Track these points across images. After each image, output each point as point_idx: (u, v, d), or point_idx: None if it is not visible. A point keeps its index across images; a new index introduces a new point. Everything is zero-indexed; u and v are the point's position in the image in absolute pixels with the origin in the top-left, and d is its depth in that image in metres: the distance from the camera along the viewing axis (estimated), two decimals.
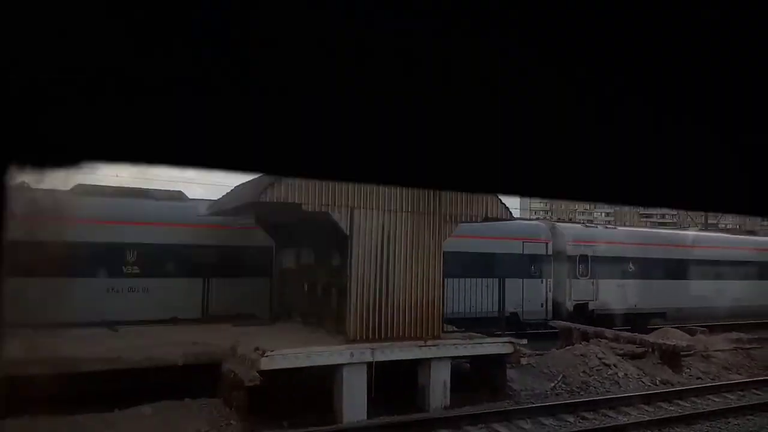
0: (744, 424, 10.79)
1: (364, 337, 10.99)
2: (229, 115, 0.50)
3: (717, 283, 23.23)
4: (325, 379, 10.59)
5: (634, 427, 10.43)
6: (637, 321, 20.57)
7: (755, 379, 14.30)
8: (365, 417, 10.39)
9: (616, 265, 21.35)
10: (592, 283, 20.99)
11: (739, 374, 15.15)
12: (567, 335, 16.97)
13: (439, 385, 11.30)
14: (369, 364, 10.61)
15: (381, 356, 10.77)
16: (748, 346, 17.48)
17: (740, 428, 10.65)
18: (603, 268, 21.03)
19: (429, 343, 11.29)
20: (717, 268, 23.94)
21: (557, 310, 20.36)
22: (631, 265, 21.66)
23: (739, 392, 13.21)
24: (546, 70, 0.57)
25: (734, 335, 20.34)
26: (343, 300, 11.42)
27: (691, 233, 27.68)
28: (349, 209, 10.93)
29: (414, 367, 11.47)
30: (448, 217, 11.89)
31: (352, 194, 10.91)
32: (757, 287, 24.14)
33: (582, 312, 20.40)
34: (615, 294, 20.95)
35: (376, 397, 10.67)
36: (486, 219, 12.72)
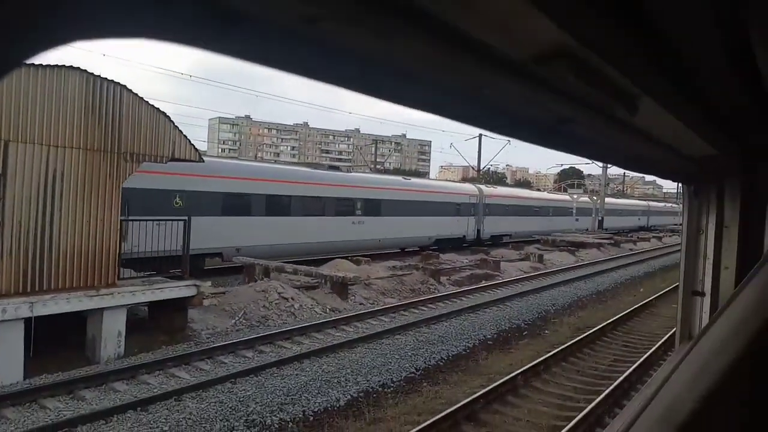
0: (393, 343, 12.85)
1: (21, 289, 9.62)
2: None
3: (530, 219, 42.11)
4: None
5: (306, 356, 11.51)
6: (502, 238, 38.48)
7: (404, 302, 17.09)
8: (21, 379, 9.27)
9: (500, 209, 38.15)
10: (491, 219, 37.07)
11: (393, 298, 17.91)
12: (250, 271, 17.61)
13: (112, 335, 10.67)
14: (27, 320, 9.41)
15: (43, 309, 9.63)
16: (400, 273, 20.67)
17: (390, 347, 12.62)
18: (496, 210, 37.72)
19: (102, 291, 10.48)
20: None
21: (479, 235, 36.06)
22: (506, 209, 38.99)
23: (392, 314, 15.64)
24: None
25: (391, 263, 23.96)
26: None
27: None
28: (2, 142, 9.19)
29: (85, 317, 10.58)
30: (128, 156, 10.94)
31: (6, 125, 9.17)
32: None
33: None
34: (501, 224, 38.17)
35: (39, 354, 9.58)
36: (174, 159, 12.10)
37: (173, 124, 11.95)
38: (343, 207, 26.09)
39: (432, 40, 0.82)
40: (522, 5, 0.75)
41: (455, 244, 33.49)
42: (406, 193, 30.28)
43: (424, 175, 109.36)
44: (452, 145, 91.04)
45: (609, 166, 50.28)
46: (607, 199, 56.45)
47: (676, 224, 74.75)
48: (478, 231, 36.38)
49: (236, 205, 20.38)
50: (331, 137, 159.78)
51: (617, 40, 1.07)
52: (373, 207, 27.59)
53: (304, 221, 23.47)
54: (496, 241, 37.78)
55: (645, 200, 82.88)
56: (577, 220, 50.41)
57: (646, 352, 12.33)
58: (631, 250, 39.46)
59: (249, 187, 21.27)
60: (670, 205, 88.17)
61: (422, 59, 0.92)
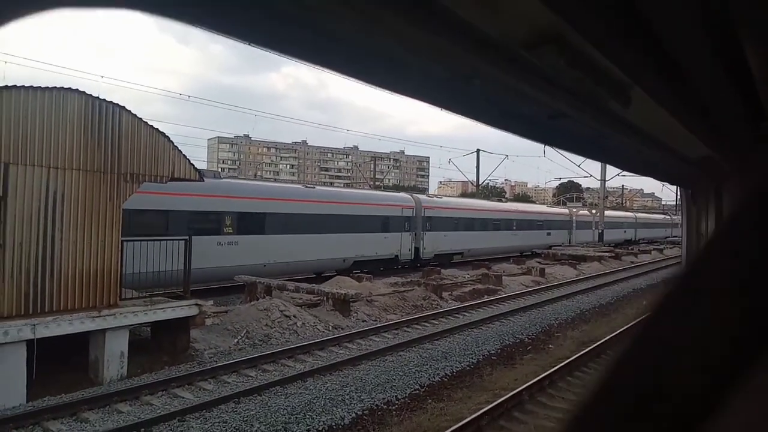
0: (397, 360, 12.77)
1: (23, 311, 9.59)
2: None
3: (490, 234, 36.24)
4: None
5: (309, 374, 11.43)
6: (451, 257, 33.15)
7: (406, 318, 17.01)
8: (24, 402, 9.19)
9: (445, 222, 32.31)
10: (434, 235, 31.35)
11: (395, 314, 17.84)
12: (252, 290, 17.56)
13: (115, 356, 10.61)
14: (30, 342, 9.36)
15: (45, 331, 9.59)
16: (402, 289, 20.61)
17: (394, 364, 12.55)
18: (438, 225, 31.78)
19: (104, 312, 10.44)
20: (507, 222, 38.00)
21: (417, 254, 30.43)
22: (455, 222, 33.24)
23: (394, 331, 15.57)
24: None
25: (392, 279, 23.88)
26: None
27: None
28: (2, 165, 9.22)
29: (87, 339, 10.53)
30: (128, 176, 10.97)
31: (6, 147, 9.20)
32: None
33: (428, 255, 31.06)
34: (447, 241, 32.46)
35: (42, 376, 9.53)
36: (173, 178, 12.13)
37: (172, 144, 12.00)
38: (206, 224, 19.97)
39: (419, 21, 0.81)
40: None
41: (387, 266, 28.34)
42: (304, 205, 23.83)
43: (423, 190, 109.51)
44: (450, 160, 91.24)
45: (607, 179, 50.29)
46: (581, 211, 52.86)
47: (668, 237, 71.27)
48: (417, 250, 30.59)
49: None
50: (329, 155, 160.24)
51: (609, 29, 1.07)
52: (253, 223, 21.70)
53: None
54: (445, 261, 32.06)
55: (632, 211, 74.06)
56: (548, 234, 44.27)
57: None
58: (632, 262, 39.37)
59: None
60: (662, 216, 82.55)
61: (411, 43, 0.91)
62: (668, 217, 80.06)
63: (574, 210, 52.10)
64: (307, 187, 26.53)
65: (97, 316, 10.33)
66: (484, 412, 9.09)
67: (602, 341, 14.38)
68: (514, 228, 39.45)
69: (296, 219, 23.11)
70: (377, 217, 27.88)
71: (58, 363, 10.30)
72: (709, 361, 0.45)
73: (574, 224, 49.10)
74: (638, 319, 0.50)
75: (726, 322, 0.46)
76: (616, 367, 0.48)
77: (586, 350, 13.44)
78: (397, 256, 29.25)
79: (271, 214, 22.19)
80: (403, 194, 33.61)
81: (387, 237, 28.44)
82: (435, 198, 35.69)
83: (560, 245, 43.33)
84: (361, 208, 27.05)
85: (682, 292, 0.50)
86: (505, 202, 47.65)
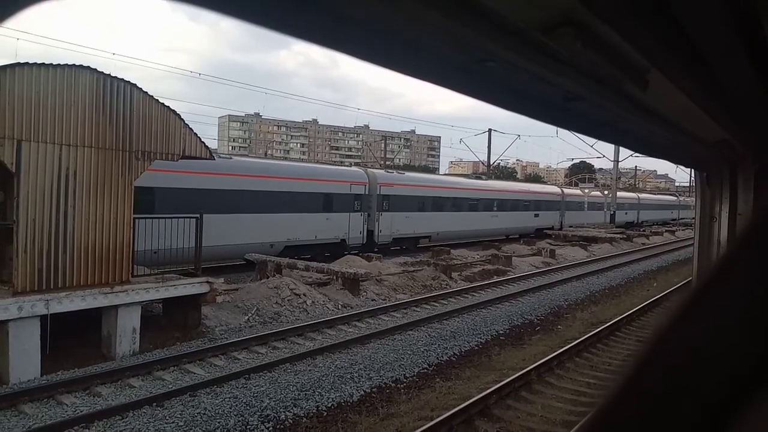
0: (405, 339, 12.85)
1: (37, 287, 9.72)
2: None
3: (464, 215, 32.61)
4: None
5: (319, 352, 11.53)
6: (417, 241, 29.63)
7: (416, 298, 17.08)
8: (38, 376, 9.37)
9: (407, 202, 28.56)
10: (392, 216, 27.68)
11: (404, 294, 17.92)
12: (262, 268, 17.67)
13: (127, 331, 10.76)
14: (43, 317, 9.51)
15: (58, 307, 9.72)
16: (412, 269, 20.67)
17: (402, 343, 12.64)
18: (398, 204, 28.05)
19: (116, 289, 10.57)
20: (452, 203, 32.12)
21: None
22: (420, 202, 29.50)
23: (403, 310, 15.65)
24: None
25: (402, 259, 23.95)
26: (8, 246, 9.84)
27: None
28: (15, 142, 9.27)
29: (100, 314, 10.68)
30: (140, 154, 11.00)
31: (19, 124, 9.24)
32: None
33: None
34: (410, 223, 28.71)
35: (55, 350, 9.70)
36: (185, 156, 12.16)
37: (184, 122, 12.00)
38: None
39: (439, 5, 0.79)
40: None
41: (333, 252, 24.19)
42: (214, 179, 18.92)
43: (434, 170, 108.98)
44: (462, 140, 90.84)
45: (620, 159, 49.70)
46: (571, 191, 47.27)
47: (675, 219, 66.73)
48: (371, 233, 26.54)
49: None
50: (340, 134, 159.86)
51: (626, 10, 1.04)
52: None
53: None
54: (409, 245, 28.97)
55: (634, 191, 67.37)
56: (536, 216, 39.96)
57: None
58: (643, 244, 39.19)
59: None
60: (669, 197, 76.63)
61: (427, 26, 0.89)
62: (675, 198, 75.52)
63: (586, 191, 48.53)
64: (221, 157, 20.85)
65: (109, 293, 10.46)
66: (492, 391, 9.15)
67: (611, 322, 14.37)
68: (495, 209, 35.29)
69: (203, 196, 18.12)
70: (316, 195, 23.75)
71: (72, 338, 10.47)
72: (735, 361, 0.44)
73: (565, 204, 43.92)
74: (662, 317, 0.49)
75: (753, 323, 0.45)
76: (640, 366, 0.47)
77: (595, 331, 13.45)
78: (344, 240, 25.27)
79: (162, 190, 17.00)
80: (354, 168, 30.54)
81: (329, 218, 24.34)
82: (395, 174, 30.63)
83: (550, 228, 39.58)
84: (293, 184, 22.72)
85: (708, 292, 0.49)
86: (487, 180, 40.70)
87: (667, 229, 52.93)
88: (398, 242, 28.66)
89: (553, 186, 50.37)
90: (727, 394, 0.43)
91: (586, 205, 46.57)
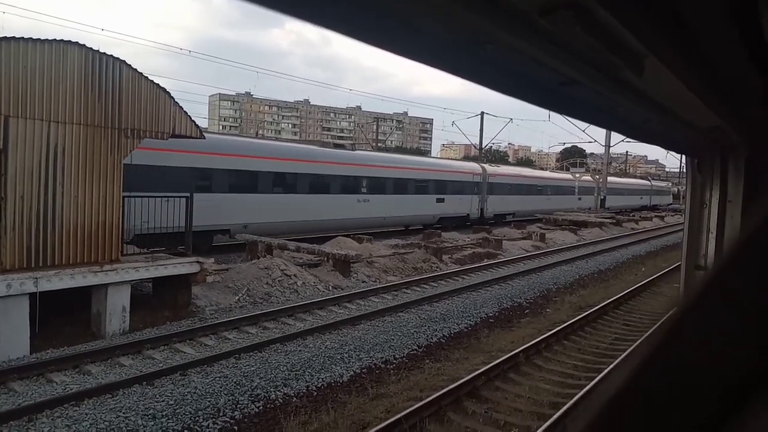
0: (395, 321, 12.91)
1: (26, 264, 9.66)
2: None
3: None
4: None
5: (309, 332, 11.56)
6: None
7: (406, 280, 17.14)
8: (28, 353, 9.35)
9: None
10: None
11: (395, 276, 17.96)
12: (252, 248, 17.63)
13: (117, 310, 10.74)
14: (32, 295, 9.46)
15: (47, 285, 9.68)
16: (403, 251, 20.69)
17: (392, 324, 12.70)
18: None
19: (106, 267, 10.52)
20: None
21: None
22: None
23: (394, 292, 15.70)
24: None
25: (393, 241, 23.97)
26: None
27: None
28: (3, 117, 9.14)
29: (89, 293, 10.64)
30: (129, 132, 10.88)
31: (6, 100, 9.10)
32: None
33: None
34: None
35: (45, 329, 9.67)
36: (174, 135, 12.04)
37: (173, 100, 11.87)
38: None
39: None
40: None
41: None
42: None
43: (425, 153, 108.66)
44: (454, 123, 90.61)
45: (612, 144, 49.81)
46: (500, 170, 40.00)
47: (645, 206, 60.71)
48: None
49: None
50: (332, 115, 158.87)
51: None
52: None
53: None
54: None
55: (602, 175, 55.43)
56: (440, 200, 32.86)
57: (647, 331, 12.38)
58: (632, 229, 39.46)
59: None
60: (639, 181, 69.33)
61: (425, 7, 0.87)
62: (648, 182, 69.09)
63: (527, 171, 47.00)
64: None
65: (99, 271, 10.41)
66: (480, 372, 9.24)
67: (598, 306, 14.52)
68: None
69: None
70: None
71: (61, 317, 10.43)
72: (740, 359, 0.44)
73: (487, 186, 36.68)
74: (668, 315, 0.48)
75: (761, 321, 0.45)
76: (645, 363, 0.47)
77: (583, 315, 13.58)
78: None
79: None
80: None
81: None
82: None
83: (464, 216, 34.29)
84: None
85: (714, 289, 0.48)
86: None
87: (656, 214, 53.23)
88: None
89: (470, 162, 41.41)
90: (732, 394, 0.43)
91: (523, 189, 40.60)
